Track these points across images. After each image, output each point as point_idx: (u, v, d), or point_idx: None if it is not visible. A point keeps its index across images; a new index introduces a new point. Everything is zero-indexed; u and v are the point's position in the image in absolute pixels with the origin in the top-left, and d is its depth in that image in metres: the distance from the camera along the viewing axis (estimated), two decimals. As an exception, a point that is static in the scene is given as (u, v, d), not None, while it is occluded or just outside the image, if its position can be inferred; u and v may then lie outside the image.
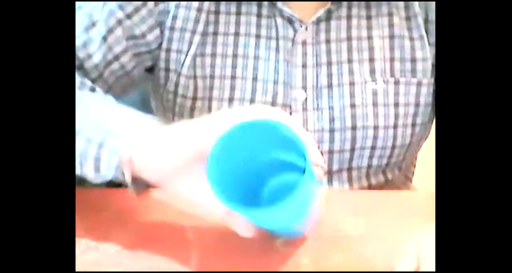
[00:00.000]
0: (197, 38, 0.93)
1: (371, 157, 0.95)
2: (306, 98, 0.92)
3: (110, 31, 0.92)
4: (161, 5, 0.93)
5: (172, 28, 0.93)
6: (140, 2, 0.92)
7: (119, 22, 0.92)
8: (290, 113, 0.92)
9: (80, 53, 0.92)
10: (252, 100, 0.93)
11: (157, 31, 0.93)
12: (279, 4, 0.91)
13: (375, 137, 0.93)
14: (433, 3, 0.93)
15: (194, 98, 0.94)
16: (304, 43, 0.92)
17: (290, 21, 0.92)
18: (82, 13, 0.93)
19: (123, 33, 0.92)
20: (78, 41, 0.92)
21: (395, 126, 0.94)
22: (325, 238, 0.78)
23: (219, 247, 0.74)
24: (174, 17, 0.92)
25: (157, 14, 0.93)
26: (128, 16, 0.92)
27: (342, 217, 0.82)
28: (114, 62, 0.93)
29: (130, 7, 0.92)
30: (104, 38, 0.92)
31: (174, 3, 0.92)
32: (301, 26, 0.91)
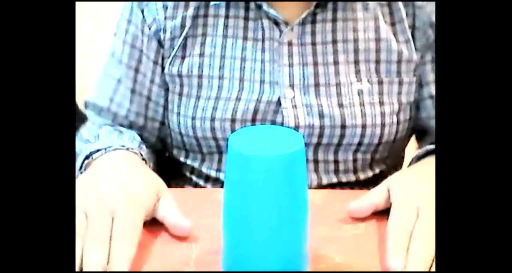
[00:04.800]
0: (183, 41, 0.96)
1: (356, 151, 0.97)
2: (294, 96, 0.94)
3: (135, 82, 0.99)
4: (156, 25, 0.97)
5: (164, 40, 0.97)
6: (141, 30, 0.97)
7: (139, 61, 0.98)
8: (282, 111, 0.94)
9: (112, 108, 0.99)
10: (238, 99, 0.95)
11: (161, 50, 0.98)
12: (265, 7, 0.93)
13: (362, 135, 0.96)
14: (422, 11, 0.95)
15: (180, 95, 0.98)
16: (290, 43, 0.94)
17: (276, 22, 0.94)
18: (107, 76, 0.99)
19: (148, 76, 0.98)
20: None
21: (383, 125, 0.96)
22: (325, 238, 0.78)
23: (219, 247, 0.74)
24: (164, 30, 0.96)
25: (156, 34, 0.97)
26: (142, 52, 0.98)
27: (342, 217, 0.82)
28: (146, 101, 1.00)
29: (145, 38, 0.97)
30: (132, 91, 0.99)
31: (162, 16, 0.96)
32: (287, 27, 0.93)
